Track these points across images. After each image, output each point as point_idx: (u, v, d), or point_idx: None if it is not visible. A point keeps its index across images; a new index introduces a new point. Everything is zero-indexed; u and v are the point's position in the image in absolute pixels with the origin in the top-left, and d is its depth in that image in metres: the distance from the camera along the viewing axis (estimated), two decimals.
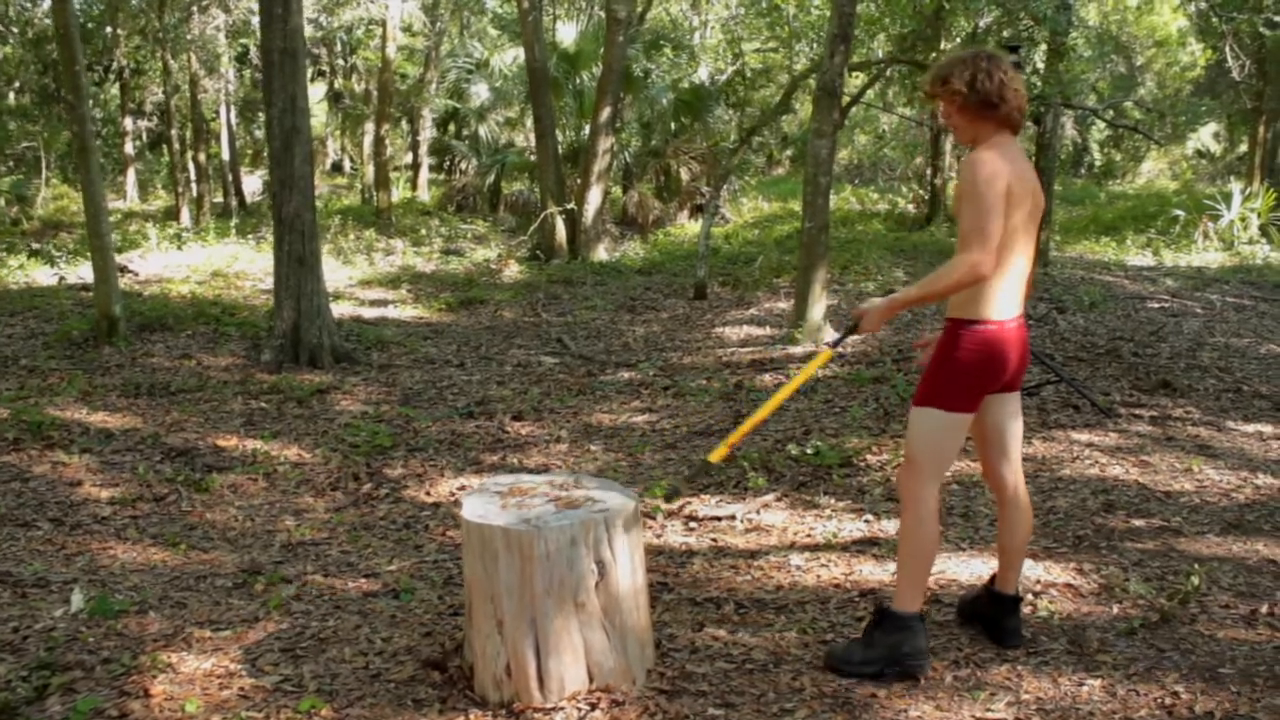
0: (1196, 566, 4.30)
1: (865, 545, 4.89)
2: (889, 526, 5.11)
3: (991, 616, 3.91)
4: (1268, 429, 6.56)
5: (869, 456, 6.15)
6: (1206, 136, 32.60)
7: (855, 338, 7.20)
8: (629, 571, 3.56)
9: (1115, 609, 4.08)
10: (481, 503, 3.68)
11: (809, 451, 6.22)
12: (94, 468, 6.29)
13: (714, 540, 5.06)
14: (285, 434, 7.02)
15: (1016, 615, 3.87)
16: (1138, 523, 5.01)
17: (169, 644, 4.10)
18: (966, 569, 4.51)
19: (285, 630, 4.21)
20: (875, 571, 4.56)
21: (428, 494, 5.97)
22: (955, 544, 4.83)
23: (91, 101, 30.01)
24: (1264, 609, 4.03)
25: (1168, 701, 3.39)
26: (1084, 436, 6.38)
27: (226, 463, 6.45)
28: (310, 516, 5.65)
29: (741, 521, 5.29)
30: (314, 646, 4.06)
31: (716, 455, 3.76)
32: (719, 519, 5.32)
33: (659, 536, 5.12)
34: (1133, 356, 8.35)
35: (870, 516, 5.25)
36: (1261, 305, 11.26)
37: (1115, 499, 5.33)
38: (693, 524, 5.30)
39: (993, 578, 3.95)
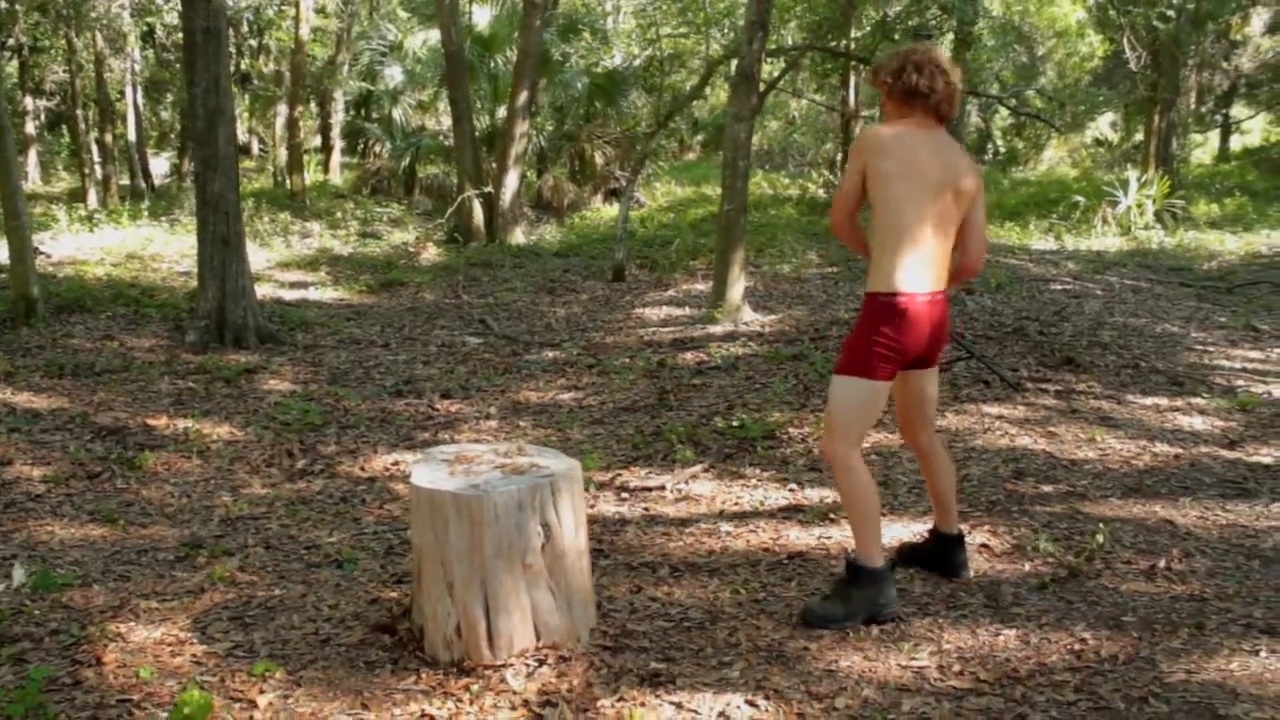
0: (1101, 526, 4.60)
1: (791, 512, 5.11)
2: (812, 494, 5.34)
3: (940, 555, 4.27)
4: (1164, 401, 6.92)
5: (791, 429, 6.39)
6: (1104, 125, 33.56)
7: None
8: (573, 534, 3.73)
9: (1027, 566, 4.35)
10: (430, 470, 3.82)
11: (734, 425, 6.44)
12: (23, 446, 6.28)
13: (645, 509, 5.25)
14: (215, 413, 7.05)
15: (963, 549, 4.26)
16: (1046, 488, 5.31)
17: (116, 615, 4.17)
18: (889, 533, 4.74)
19: (232, 600, 4.31)
20: (802, 536, 4.78)
21: (362, 469, 6.07)
22: None
23: None
24: (1162, 564, 4.32)
25: (1076, 648, 3.65)
26: (994, 410, 6.69)
27: (158, 441, 6.48)
28: (247, 492, 5.72)
29: (671, 492, 5.48)
30: (262, 615, 4.16)
31: None
32: (649, 489, 5.51)
33: (592, 507, 5.29)
34: (1038, 335, 8.71)
35: (794, 485, 5.48)
36: (1157, 287, 11.74)
37: (1025, 467, 5.63)
38: (624, 494, 5.48)
39: (935, 525, 4.28)
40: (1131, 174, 18.89)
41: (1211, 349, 8.58)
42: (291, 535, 5.09)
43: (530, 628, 3.66)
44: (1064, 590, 4.12)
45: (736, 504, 5.27)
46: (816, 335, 8.81)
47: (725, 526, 4.95)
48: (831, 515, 5.00)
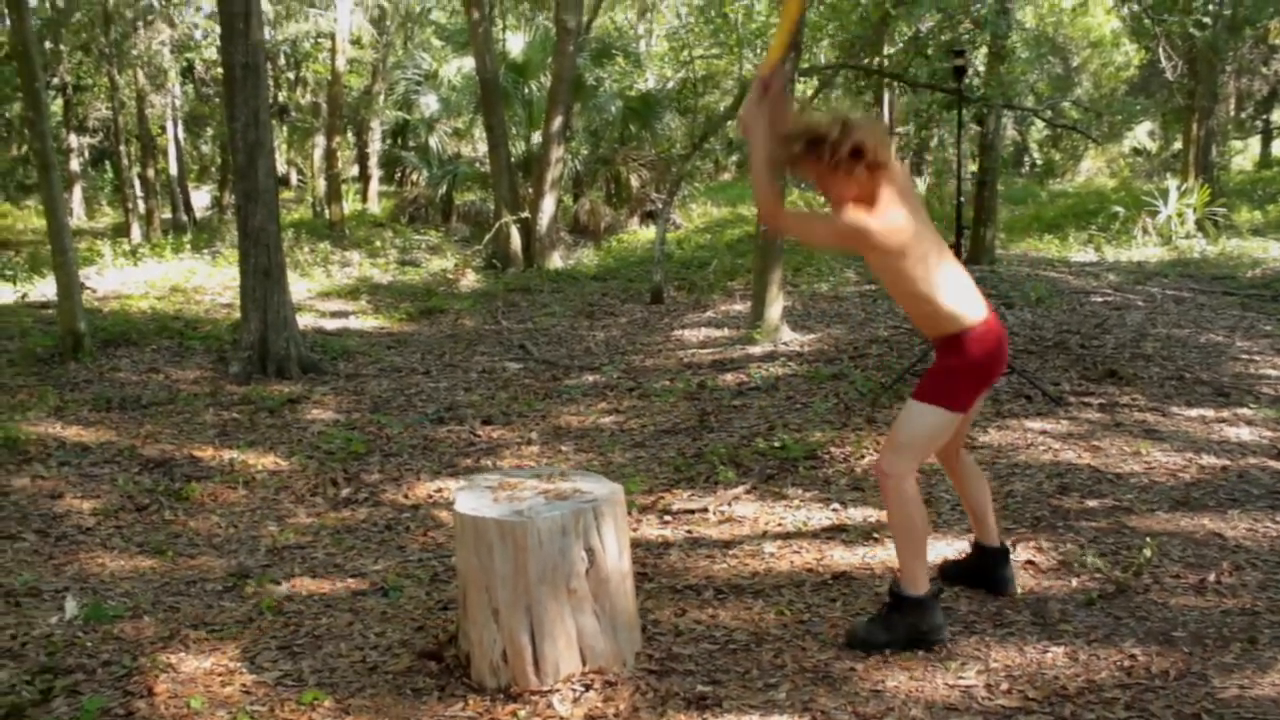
0: (1148, 540, 4.56)
1: (834, 532, 5.10)
2: (855, 514, 5.33)
3: (984, 569, 4.25)
4: (1210, 413, 6.85)
5: (832, 449, 6.37)
6: (1142, 135, 33.30)
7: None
8: (616, 557, 3.75)
9: (1074, 582, 4.32)
10: (474, 497, 3.85)
11: (775, 445, 6.44)
12: (73, 480, 6.38)
13: (689, 532, 5.26)
14: (260, 443, 7.13)
15: (1007, 563, 4.25)
16: (1091, 503, 5.27)
17: (166, 646, 4.22)
18: (933, 551, 4.72)
19: (280, 629, 4.35)
20: (845, 556, 4.77)
21: (405, 497, 6.11)
22: None
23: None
24: (1211, 578, 4.28)
25: (1126, 664, 3.62)
26: (1037, 424, 6.65)
27: (204, 472, 6.55)
28: (292, 521, 5.77)
29: (714, 514, 5.48)
30: (310, 643, 4.20)
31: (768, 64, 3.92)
32: (692, 512, 5.51)
33: (635, 530, 5.30)
34: (1080, 348, 8.65)
35: (837, 505, 5.47)
36: (1200, 297, 11.62)
37: (1069, 482, 5.58)
38: (667, 517, 5.49)
39: (976, 540, 4.26)
40: (1171, 183, 18.74)
41: (1257, 358, 8.48)
42: (337, 564, 5.13)
43: (576, 652, 3.67)
44: (1112, 606, 4.09)
45: (780, 525, 5.27)
46: (856, 354, 8.78)
47: (769, 548, 4.94)
48: (875, 535, 4.98)
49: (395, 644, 4.13)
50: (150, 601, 4.71)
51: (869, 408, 7.16)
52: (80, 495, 6.14)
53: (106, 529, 5.68)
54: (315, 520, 5.78)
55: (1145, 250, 16.11)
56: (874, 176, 3.66)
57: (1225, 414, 6.83)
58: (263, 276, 8.69)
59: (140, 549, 5.41)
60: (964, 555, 4.45)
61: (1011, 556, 4.40)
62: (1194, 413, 6.87)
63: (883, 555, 4.74)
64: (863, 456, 6.19)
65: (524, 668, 3.63)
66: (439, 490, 6.17)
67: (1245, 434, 6.39)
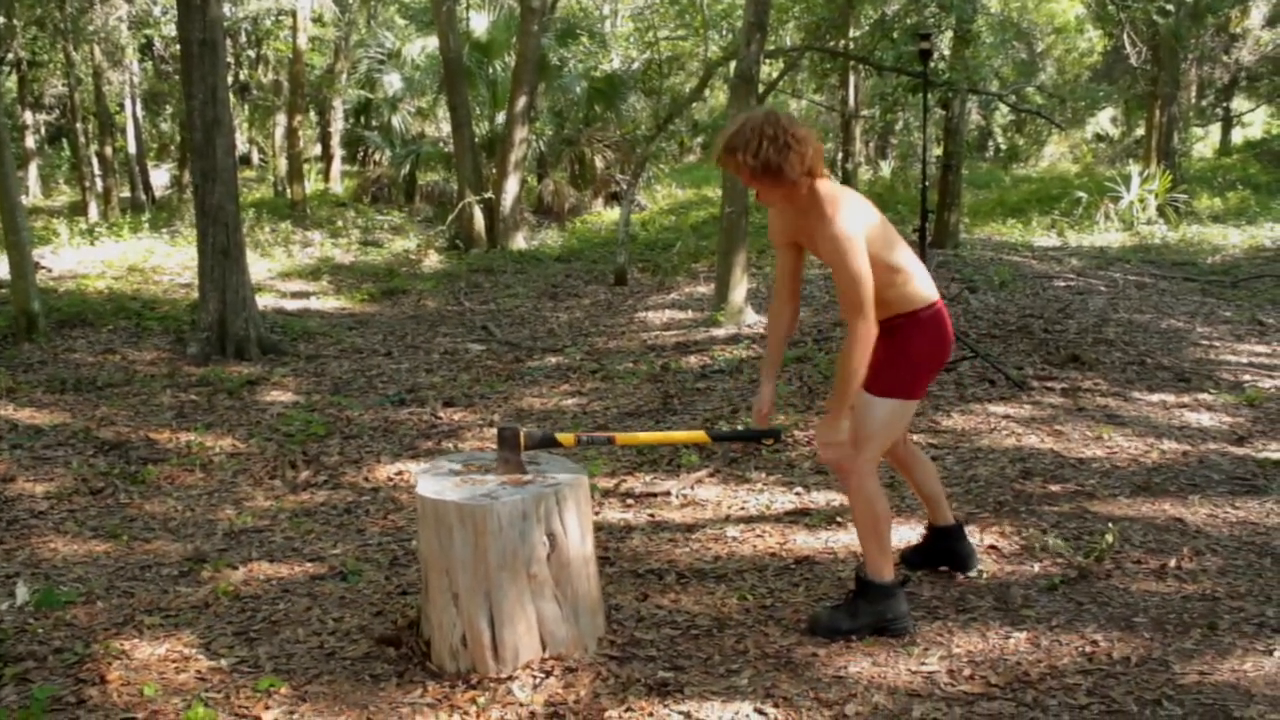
0: (1110, 526, 4.56)
1: (797, 516, 5.08)
2: (819, 498, 5.31)
3: (944, 549, 4.28)
4: (1170, 398, 6.88)
5: (796, 432, 6.35)
6: (1105, 121, 33.51)
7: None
8: (579, 543, 3.70)
9: (1036, 568, 4.32)
10: (435, 480, 3.79)
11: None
12: (26, 463, 6.26)
13: (651, 515, 5.22)
14: (218, 425, 7.02)
15: (965, 539, 4.29)
16: (1054, 488, 5.28)
17: (120, 632, 4.15)
18: (896, 535, 4.70)
19: (236, 614, 4.28)
20: (809, 540, 4.75)
21: (366, 479, 6.04)
22: None
23: None
24: (1172, 563, 4.29)
25: (1088, 650, 3.62)
26: (1000, 409, 6.65)
27: (161, 455, 6.45)
28: (250, 505, 5.69)
29: (676, 497, 5.45)
30: (267, 629, 4.14)
31: (566, 439, 3.90)
32: (654, 495, 5.48)
33: (597, 514, 5.26)
34: (1043, 332, 8.67)
35: (800, 489, 5.45)
36: (1161, 283, 11.70)
37: (1032, 466, 5.59)
38: (629, 501, 5.45)
39: (931, 524, 4.28)
40: (1133, 169, 18.87)
41: (1217, 344, 8.54)
42: (295, 548, 5.06)
43: (536, 638, 3.63)
44: (1074, 591, 4.09)
45: (742, 509, 5.24)
46: (820, 336, 8.77)
47: (731, 531, 4.92)
48: (838, 519, 4.96)
49: (354, 629, 4.08)
50: (104, 587, 4.63)
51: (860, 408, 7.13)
52: (33, 479, 6.02)
53: (59, 513, 5.58)
54: (273, 503, 5.70)
55: (1107, 235, 16.22)
56: (778, 182, 3.62)
57: (1186, 399, 6.87)
58: (221, 256, 8.57)
59: (94, 533, 5.31)
60: (922, 539, 4.43)
61: (972, 540, 4.41)
62: (1155, 398, 6.90)
63: (845, 539, 4.72)
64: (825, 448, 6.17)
65: (483, 653, 3.58)
66: (399, 473, 6.10)
67: (1206, 419, 6.43)
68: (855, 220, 3.57)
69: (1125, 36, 17.16)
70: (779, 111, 3.72)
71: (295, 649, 3.94)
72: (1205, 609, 3.89)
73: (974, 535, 4.67)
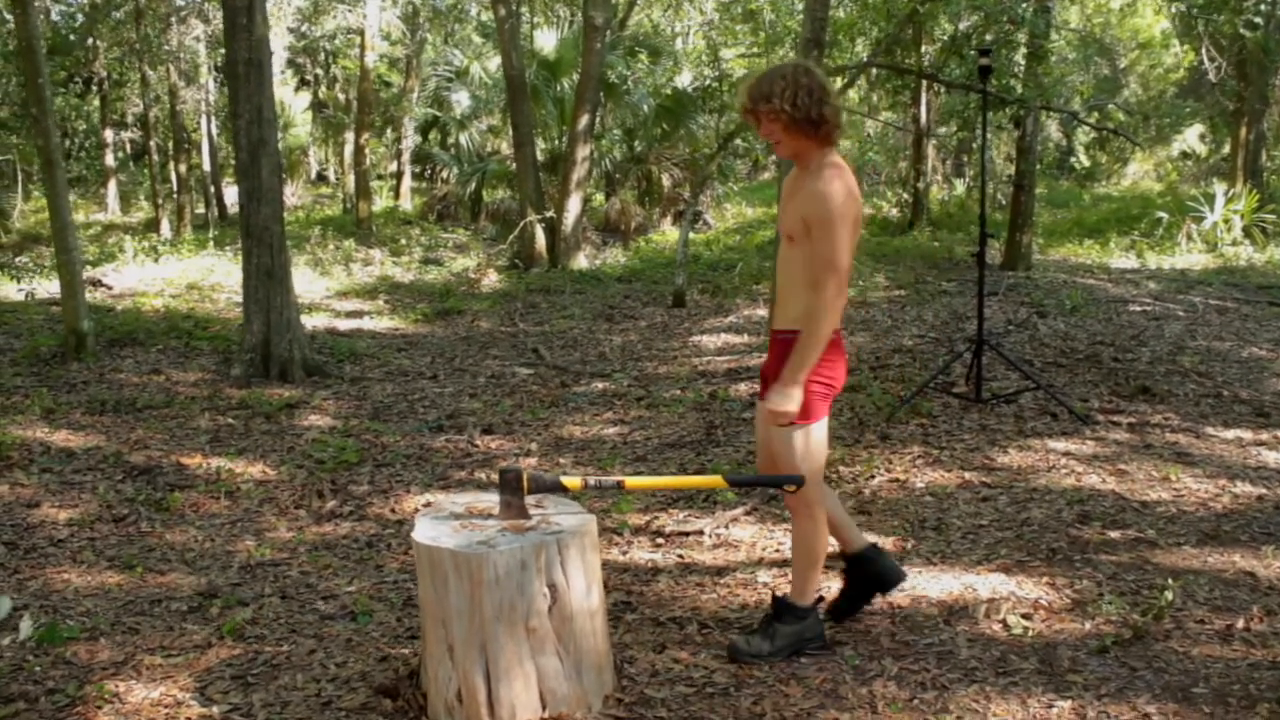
0: (1171, 581, 4.20)
1: (834, 561, 4.74)
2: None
3: (868, 577, 4.08)
4: (1247, 435, 6.46)
5: (842, 468, 6.04)
6: (1192, 138, 32.61)
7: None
8: (584, 594, 3.45)
9: (1088, 625, 3.98)
10: (434, 524, 3.57)
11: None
12: (54, 488, 6.16)
13: (681, 556, 4.95)
14: (251, 451, 6.88)
15: (884, 554, 4.13)
16: (1113, 534, 4.91)
17: (118, 672, 3.99)
18: (937, 585, 4.41)
19: (238, 656, 4.10)
20: None
21: (392, 511, 5.85)
22: (926, 559, 4.72)
23: (75, 114, 29.92)
24: (1240, 624, 3.93)
25: None
26: (1060, 445, 6.28)
27: (189, 481, 6.32)
28: (271, 536, 5.52)
29: (710, 536, 5.18)
30: (266, 673, 3.95)
31: (572, 484, 3.67)
32: (686, 534, 5.21)
33: (625, 554, 5.01)
34: (1113, 361, 8.27)
35: None
36: (1244, 307, 11.18)
37: (1091, 510, 5.23)
38: (660, 539, 5.19)
39: (845, 553, 4.10)
40: (1218, 188, 18.21)
41: None
42: (310, 584, 4.87)
43: (535, 695, 3.39)
44: (1127, 654, 3.75)
45: (778, 551, 4.95)
46: (877, 364, 8.44)
47: (763, 577, 4.63)
48: None
49: (355, 676, 3.87)
50: (109, 622, 4.47)
51: (883, 424, 6.82)
52: (58, 504, 5.91)
53: (79, 541, 5.45)
54: (295, 535, 5.52)
55: (1189, 257, 15.63)
56: (806, 135, 3.63)
57: (1264, 436, 6.44)
58: (265, 277, 8.46)
59: (110, 563, 5.17)
60: (843, 579, 4.17)
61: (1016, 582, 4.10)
62: (1230, 434, 6.48)
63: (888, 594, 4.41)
64: (872, 477, 5.86)
65: (478, 710, 3.34)
66: (427, 504, 5.89)
67: None
68: (852, 192, 3.56)
69: (1205, 50, 16.57)
70: (807, 62, 3.71)
71: (292, 696, 3.74)
72: (1275, 679, 3.53)
73: (1022, 586, 4.34)
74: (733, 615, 4.25)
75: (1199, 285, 12.79)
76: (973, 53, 12.96)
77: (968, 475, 5.80)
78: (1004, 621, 4.03)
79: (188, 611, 4.61)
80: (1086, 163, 32.82)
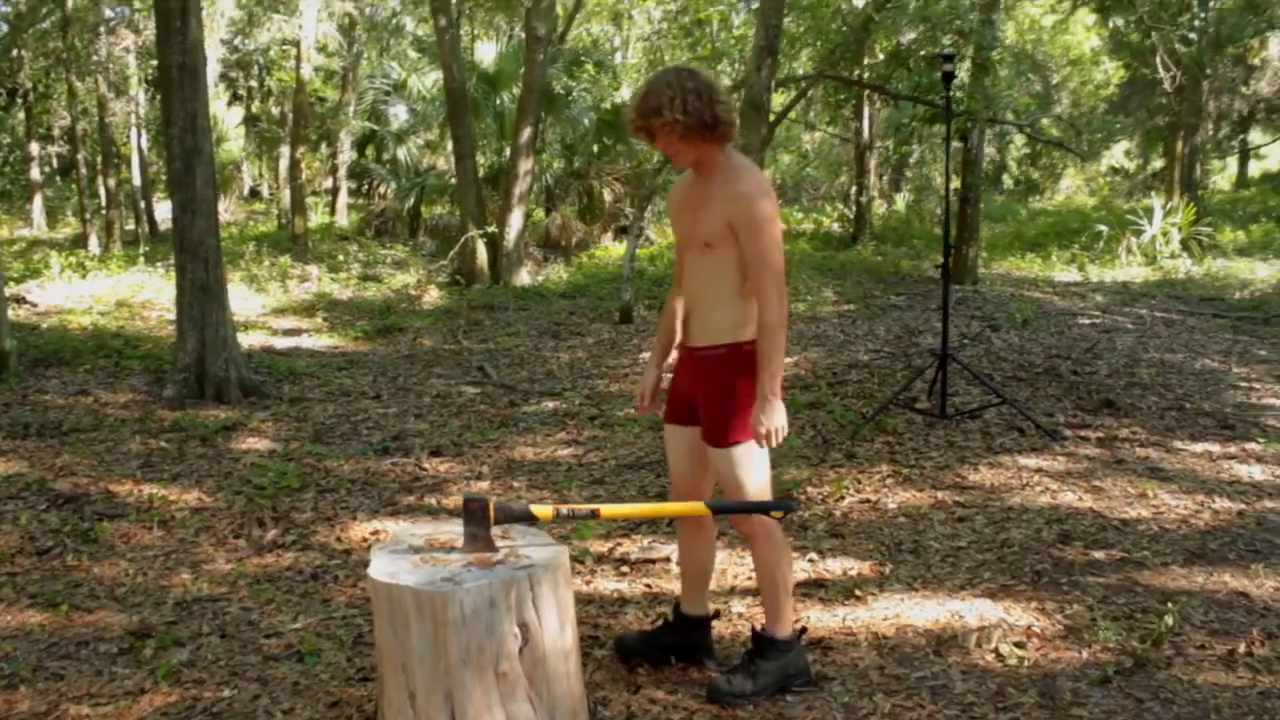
0: (1170, 605, 4.01)
1: (810, 588, 4.54)
2: (834, 566, 4.77)
3: (690, 643, 3.86)
4: (1216, 448, 6.34)
5: (809, 489, 5.82)
6: (1119, 154, 33.08)
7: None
8: (557, 634, 3.18)
9: (1085, 654, 3.78)
10: (392, 559, 3.28)
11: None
12: None
13: (648, 586, 4.69)
14: (185, 476, 6.51)
15: (710, 631, 3.90)
16: (1097, 554, 4.73)
17: None
18: (922, 612, 4.19)
19: (175, 703, 3.78)
20: (824, 618, 4.21)
21: (339, 539, 5.52)
22: (907, 583, 4.50)
23: None
24: (1241, 648, 3.75)
25: None
26: (1031, 461, 6.11)
27: (119, 510, 5.93)
28: (209, 568, 5.17)
29: (676, 564, 4.91)
30: None
31: (543, 513, 3.41)
32: (652, 562, 4.94)
33: (588, 584, 4.73)
34: (1072, 375, 8.15)
35: (814, 555, 4.90)
36: (1190, 319, 11.18)
37: (1071, 529, 5.05)
38: (624, 568, 4.92)
39: (681, 610, 3.89)
40: (1155, 201, 18.36)
41: (1257, 385, 8.01)
42: (252, 621, 4.54)
43: None
44: (1131, 684, 3.55)
45: (750, 578, 4.70)
46: (834, 380, 8.24)
47: (737, 606, 4.38)
48: (857, 592, 4.42)
49: None
50: (31, 667, 4.12)
51: (848, 441, 6.62)
52: None
53: None
54: (234, 567, 5.18)
55: (1130, 270, 15.71)
56: (704, 139, 3.44)
57: (1233, 449, 6.32)
58: (200, 292, 8.07)
59: (32, 601, 4.79)
60: (662, 626, 3.97)
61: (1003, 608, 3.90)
62: (1199, 448, 6.36)
63: (865, 617, 4.19)
64: (842, 498, 5.64)
65: None
66: (375, 532, 5.57)
67: (1257, 473, 5.88)
68: (770, 188, 3.43)
69: (1159, 60, 16.67)
70: (687, 66, 3.53)
71: None
72: None
73: (1011, 612, 4.13)
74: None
75: (1143, 298, 12.83)
76: (919, 65, 12.91)
77: (940, 495, 5.60)
78: (997, 651, 3.82)
79: (118, 654, 4.26)
80: (1019, 178, 33.14)
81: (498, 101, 19.04)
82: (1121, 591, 4.31)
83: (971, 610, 4.18)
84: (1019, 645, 3.85)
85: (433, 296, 14.12)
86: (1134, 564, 4.60)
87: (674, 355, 3.86)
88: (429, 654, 3.05)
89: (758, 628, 3.68)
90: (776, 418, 3.40)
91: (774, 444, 3.44)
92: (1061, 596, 4.28)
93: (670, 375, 3.84)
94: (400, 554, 3.32)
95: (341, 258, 17.69)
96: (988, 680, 3.63)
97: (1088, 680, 3.58)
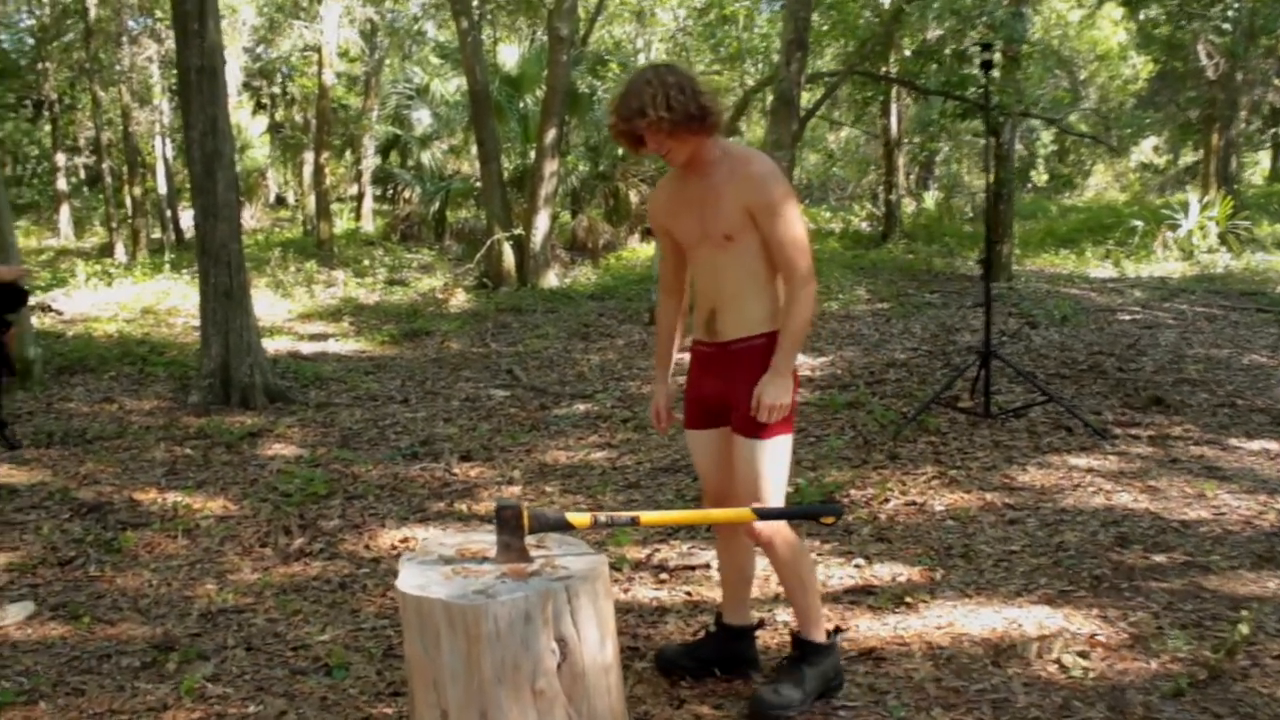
0: (1244, 613, 3.78)
1: (859, 595, 4.34)
2: (882, 572, 4.57)
3: (734, 654, 3.71)
4: (1274, 446, 6.11)
5: (853, 491, 5.62)
6: (1147, 149, 32.68)
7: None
8: (597, 648, 3.00)
9: (1153, 664, 3.57)
10: (421, 570, 3.11)
11: (788, 489, 5.68)
12: None
13: (688, 594, 4.50)
14: (211, 484, 6.37)
15: (754, 641, 3.75)
16: (1158, 558, 4.51)
17: None
18: (977, 620, 3.99)
19: None
20: (874, 627, 4.02)
21: (367, 547, 5.36)
22: (960, 589, 4.30)
23: (25, 139, 29.19)
24: None
25: None
26: (1081, 461, 5.89)
27: (143, 518, 5.80)
28: (234, 578, 5.02)
29: (717, 570, 4.73)
30: None
31: (580, 521, 3.22)
32: (692, 569, 4.76)
33: (626, 591, 4.56)
34: (1117, 372, 7.92)
35: (860, 561, 4.71)
36: (1232, 314, 10.91)
37: (1128, 531, 4.83)
38: (663, 575, 4.74)
39: (724, 620, 3.73)
40: (1192, 195, 18.06)
41: None
42: (278, 633, 4.38)
43: None
44: (1206, 697, 3.34)
45: None
46: (872, 379, 8.04)
47: (782, 615, 4.19)
48: (908, 599, 4.22)
49: None
50: (51, 683, 3.97)
51: (890, 442, 6.41)
52: None
53: (19, 588, 4.93)
54: (260, 576, 5.03)
55: (1166, 265, 15.41)
56: (694, 132, 3.29)
57: None
58: (224, 298, 7.95)
59: (53, 613, 4.66)
60: (705, 637, 3.80)
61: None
62: (1256, 445, 6.12)
63: (918, 626, 3.99)
64: (886, 501, 5.44)
65: None
66: (404, 540, 5.41)
67: None
68: (779, 170, 3.31)
69: (1200, 49, 16.37)
70: (663, 61, 3.38)
71: None
72: None
73: (1071, 620, 3.92)
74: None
75: (1182, 293, 12.54)
76: (950, 60, 12.69)
77: (989, 496, 5.39)
78: (1059, 661, 3.61)
79: (140, 668, 4.11)
80: (1046, 175, 32.81)
81: (521, 104, 18.93)
82: (1188, 597, 4.09)
83: (1030, 618, 3.97)
84: (1083, 655, 3.64)
85: (460, 300, 13.98)
86: (1199, 568, 4.38)
87: (679, 357, 3.74)
88: (462, 671, 2.87)
89: (798, 632, 3.52)
90: (782, 393, 3.26)
91: (771, 420, 3.27)
92: (1124, 603, 4.07)
93: (679, 381, 3.67)
94: (430, 565, 3.15)
95: (367, 262, 17.59)
96: (1052, 693, 3.42)
97: (1159, 693, 3.38)
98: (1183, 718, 3.22)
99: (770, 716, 3.34)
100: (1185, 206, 17.30)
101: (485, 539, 3.32)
